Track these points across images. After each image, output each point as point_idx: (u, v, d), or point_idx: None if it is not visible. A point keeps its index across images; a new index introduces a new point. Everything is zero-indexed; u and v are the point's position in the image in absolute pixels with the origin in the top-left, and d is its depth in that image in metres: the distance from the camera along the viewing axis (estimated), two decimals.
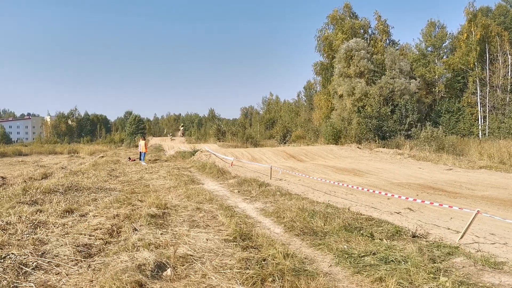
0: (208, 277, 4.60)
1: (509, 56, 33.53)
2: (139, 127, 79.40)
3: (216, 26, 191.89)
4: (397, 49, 38.54)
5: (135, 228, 6.69)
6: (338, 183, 12.74)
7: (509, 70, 33.64)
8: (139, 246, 5.58)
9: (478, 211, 6.21)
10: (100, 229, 6.61)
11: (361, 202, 10.12)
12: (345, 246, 5.78)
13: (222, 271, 4.81)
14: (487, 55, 34.28)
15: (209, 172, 16.53)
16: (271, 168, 15.37)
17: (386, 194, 10.38)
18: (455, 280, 4.31)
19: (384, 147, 27.81)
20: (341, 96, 34.84)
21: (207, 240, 6.10)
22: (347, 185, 12.29)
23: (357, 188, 11.63)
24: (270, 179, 14.41)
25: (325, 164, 20.70)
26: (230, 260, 5.15)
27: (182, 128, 44.11)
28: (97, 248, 5.72)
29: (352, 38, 35.00)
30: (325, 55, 39.58)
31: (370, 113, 31.21)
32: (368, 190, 11.09)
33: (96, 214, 7.83)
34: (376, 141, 30.36)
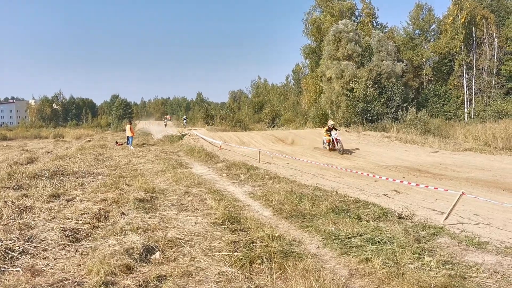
0: (197, 260, 4.62)
1: (495, 39, 33.74)
2: (126, 111, 78.65)
3: (203, 9, 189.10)
4: (386, 32, 38.46)
5: (123, 212, 6.66)
6: (327, 166, 12.82)
7: (495, 53, 33.89)
8: (127, 230, 5.56)
9: (462, 192, 6.30)
10: (88, 213, 6.57)
11: (348, 184, 10.20)
12: (333, 228, 5.83)
13: (211, 253, 4.83)
14: (474, 38, 34.45)
15: (197, 156, 16.48)
16: (259, 151, 15.38)
17: (373, 176, 10.49)
18: (440, 259, 4.39)
19: (371, 130, 27.95)
20: (329, 79, 34.76)
21: (195, 223, 6.10)
22: (335, 168, 12.37)
23: (345, 170, 11.72)
24: (259, 162, 14.43)
25: (314, 147, 20.77)
26: (219, 243, 5.16)
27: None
28: (84, 232, 5.68)
29: (340, 20, 34.80)
30: (313, 38, 39.35)
31: (359, 96, 31.28)
32: (356, 172, 11.19)
33: (83, 199, 7.78)
34: (363, 124, 30.52)
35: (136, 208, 6.89)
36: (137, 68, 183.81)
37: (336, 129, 19.59)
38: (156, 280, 4.08)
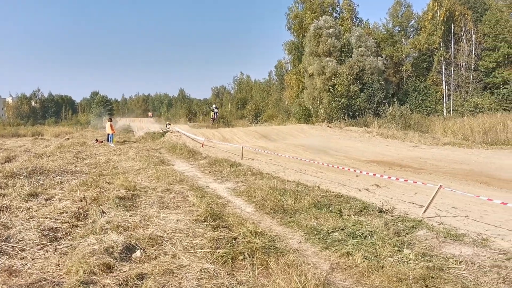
0: (179, 258, 4.59)
1: (473, 35, 34.35)
2: (107, 108, 77.51)
3: (184, 6, 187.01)
4: (365, 28, 38.75)
5: (103, 210, 6.57)
6: (309, 161, 12.89)
7: (473, 49, 34.51)
8: (107, 229, 5.50)
9: (440, 185, 6.42)
10: (66, 212, 6.46)
11: (330, 179, 10.29)
12: (315, 223, 5.87)
13: (193, 251, 4.81)
14: (452, 35, 34.99)
15: (179, 153, 16.37)
16: (242, 148, 15.36)
17: (355, 171, 10.60)
18: (418, 252, 4.47)
19: (353, 126, 28.20)
20: (311, 75, 34.86)
21: (177, 220, 6.06)
22: (317, 163, 12.46)
23: (327, 165, 11.81)
24: (242, 159, 14.42)
25: (296, 143, 20.86)
26: (201, 240, 5.15)
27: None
28: (63, 231, 5.60)
29: (321, 16, 34.92)
30: (295, 34, 39.40)
31: (341, 91, 31.48)
32: (337, 167, 11.29)
33: (62, 198, 7.65)
34: (345, 119, 30.75)
35: (117, 206, 6.80)
36: (118, 65, 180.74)
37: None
38: (137, 279, 4.04)
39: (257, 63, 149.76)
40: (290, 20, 39.56)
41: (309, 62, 34.67)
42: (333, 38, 33.29)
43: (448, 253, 4.56)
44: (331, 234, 5.38)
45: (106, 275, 4.13)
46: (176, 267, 4.35)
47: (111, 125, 23.28)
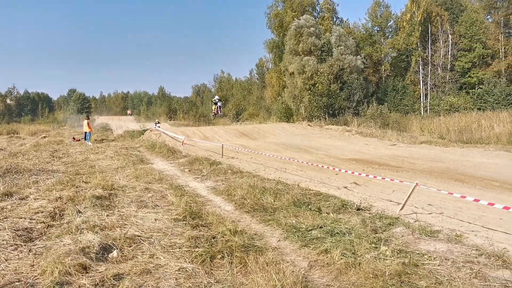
0: (156, 257, 4.54)
1: (449, 36, 35.10)
2: (84, 106, 76.29)
3: (163, 2, 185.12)
4: (345, 27, 39.15)
5: (79, 210, 6.45)
6: (289, 160, 12.95)
7: (449, 49, 35.27)
8: (83, 229, 5.40)
9: (417, 183, 6.54)
10: (42, 212, 6.32)
11: (310, 177, 10.35)
12: (294, 221, 5.90)
13: (171, 250, 4.77)
14: (429, 35, 35.69)
15: (159, 152, 16.23)
16: (222, 146, 15.33)
17: (334, 169, 10.70)
18: (394, 248, 4.54)
19: (333, 124, 28.50)
20: (292, 74, 35.07)
21: (155, 220, 6.00)
22: (298, 162, 12.52)
23: (307, 164, 11.89)
24: (222, 157, 14.39)
25: (277, 141, 20.94)
26: (179, 239, 5.11)
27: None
28: (38, 232, 5.47)
29: (302, 16, 35.13)
30: (276, 33, 39.53)
31: (321, 90, 31.73)
32: (317, 165, 11.37)
33: (37, 197, 7.48)
34: (326, 118, 31.04)
35: (93, 205, 6.69)
36: (96, 61, 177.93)
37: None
38: (113, 279, 3.98)
39: (238, 61, 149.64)
40: (270, 19, 39.65)
41: (289, 61, 34.84)
42: (313, 37, 33.53)
43: (423, 249, 4.65)
44: (310, 232, 5.41)
45: (82, 275, 4.06)
46: (153, 266, 4.30)
47: (88, 123, 22.93)
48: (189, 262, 4.37)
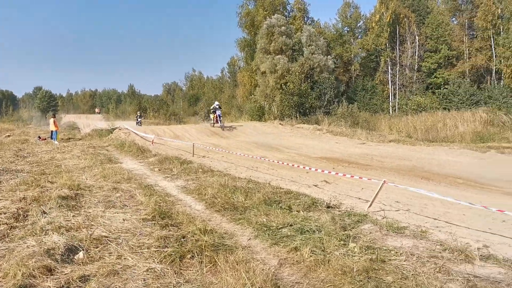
0: (124, 258, 4.46)
1: (416, 37, 36.02)
2: (51, 104, 74.06)
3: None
4: (316, 27, 39.53)
5: (44, 211, 6.26)
6: (260, 159, 12.97)
7: (416, 50, 36.20)
8: (48, 230, 5.24)
9: (384, 181, 6.69)
10: (4, 213, 6.10)
11: (281, 176, 10.41)
12: (264, 220, 5.91)
13: (139, 250, 4.69)
14: (397, 36, 36.52)
15: (128, 151, 15.91)
16: (193, 145, 15.20)
17: (304, 168, 10.79)
18: (363, 245, 4.62)
19: (304, 123, 28.71)
20: (264, 73, 35.12)
21: (124, 220, 5.89)
22: (269, 160, 12.56)
23: (278, 162, 11.94)
24: (193, 156, 14.27)
25: (249, 140, 20.94)
26: (148, 240, 5.03)
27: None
28: (0, 233, 5.27)
29: (273, 15, 35.23)
30: (247, 32, 39.50)
31: (292, 89, 31.94)
32: (288, 164, 11.44)
33: (0, 198, 7.21)
34: (297, 117, 31.25)
35: (59, 206, 6.50)
36: (63, 59, 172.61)
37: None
38: (79, 281, 3.89)
39: (209, 59, 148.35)
40: (242, 18, 39.60)
41: (261, 60, 34.90)
42: (284, 36, 33.70)
43: (390, 245, 4.75)
44: (280, 230, 5.44)
45: (47, 277, 3.94)
46: (121, 267, 4.22)
47: (54, 122, 22.25)
48: (158, 262, 4.31)
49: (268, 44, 34.11)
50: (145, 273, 4.09)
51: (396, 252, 4.45)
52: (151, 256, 4.48)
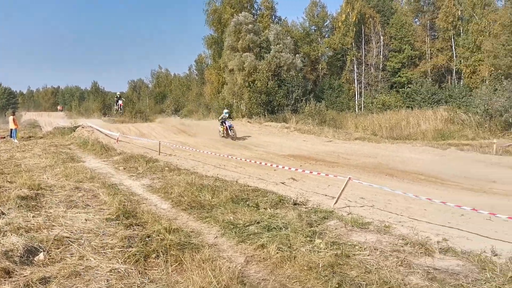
0: (87, 259, 4.33)
1: (381, 37, 36.89)
2: (10, 101, 71.25)
3: None
4: (283, 26, 39.72)
5: (2, 212, 5.99)
6: (228, 157, 12.93)
7: (381, 50, 37.07)
8: (6, 231, 5.02)
9: (349, 178, 6.81)
10: None
11: (249, 174, 10.41)
12: (231, 217, 5.90)
13: (102, 251, 4.57)
14: (363, 36, 37.28)
15: (91, 149, 15.49)
16: (159, 143, 14.97)
17: (271, 165, 10.83)
18: (328, 241, 4.69)
19: (272, 121, 28.82)
20: (231, 70, 35.02)
21: (86, 220, 5.72)
22: (237, 158, 12.54)
23: (246, 160, 11.94)
24: (159, 154, 14.06)
25: (217, 138, 20.82)
26: (112, 240, 4.91)
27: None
28: None
29: (240, 12, 35.15)
30: (214, 29, 39.24)
31: (260, 87, 32.00)
32: (255, 162, 11.46)
33: None
34: (265, 115, 31.34)
35: (18, 206, 6.25)
36: (23, 54, 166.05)
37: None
38: (39, 283, 3.76)
39: (176, 56, 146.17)
40: (209, 15, 39.29)
41: (229, 57, 34.78)
42: (252, 34, 33.71)
43: (354, 240, 4.84)
44: (247, 228, 5.44)
45: (5, 280, 3.79)
46: (83, 268, 4.10)
47: (14, 120, 21.38)
48: (121, 262, 4.22)
49: (236, 41, 34.03)
50: (108, 273, 3.99)
51: (361, 247, 4.54)
52: (115, 257, 4.38)
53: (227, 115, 21.68)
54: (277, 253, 4.39)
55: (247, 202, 6.77)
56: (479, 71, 33.44)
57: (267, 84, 32.18)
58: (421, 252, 4.39)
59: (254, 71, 32.89)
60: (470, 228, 5.48)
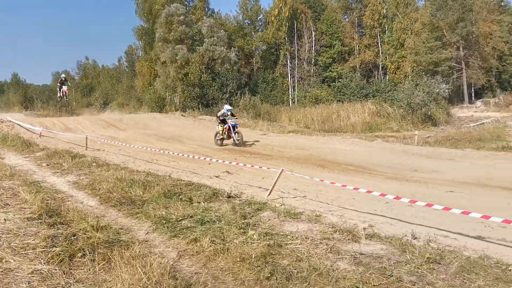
0: (6, 261, 4.00)
1: (313, 33, 38.01)
2: None
3: None
4: (216, 19, 39.47)
5: None
6: (161, 151, 12.63)
7: (313, 45, 38.21)
8: None
9: (282, 169, 6.94)
10: None
11: (183, 168, 10.25)
12: (164, 212, 5.77)
13: (23, 252, 4.25)
14: (295, 31, 38.16)
15: (11, 145, 14.38)
16: (86, 138, 14.25)
17: (205, 159, 10.77)
18: (261, 232, 4.75)
19: (207, 115, 28.66)
20: (164, 62, 34.28)
21: (5, 220, 5.29)
22: (170, 153, 12.29)
23: (179, 155, 11.75)
24: (86, 149, 13.38)
25: (149, 132, 20.26)
26: (34, 240, 4.59)
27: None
28: None
29: (172, 3, 34.39)
30: (145, 20, 38.09)
31: (193, 80, 31.64)
32: (188, 156, 11.32)
33: None
34: (200, 109, 31.07)
35: None
36: None
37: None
38: None
39: (104, 47, 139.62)
40: (139, 5, 38.03)
41: (161, 49, 34.02)
42: (184, 26, 33.18)
43: (287, 230, 4.94)
44: (180, 222, 5.35)
45: None
46: (1, 271, 3.79)
47: None
48: (44, 263, 3.95)
49: (168, 33, 33.34)
50: (29, 275, 3.72)
51: (292, 237, 4.64)
52: (37, 257, 4.10)
53: (229, 112, 15.80)
54: (210, 246, 4.36)
55: (180, 197, 6.67)
56: (403, 67, 35.73)
57: (201, 77, 31.91)
58: (349, 239, 4.59)
59: (187, 63, 32.41)
60: (394, 214, 5.82)
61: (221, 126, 15.49)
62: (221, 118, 15.71)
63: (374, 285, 3.44)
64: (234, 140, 15.06)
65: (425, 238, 4.58)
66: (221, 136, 15.42)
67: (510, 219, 4.71)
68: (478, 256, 4.05)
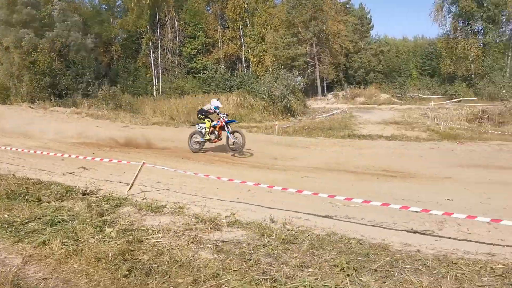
0: None
1: (176, 22, 37.48)
2: None
3: None
4: (69, 2, 36.16)
5: None
6: (5, 148, 11.15)
7: (177, 35, 37.70)
8: None
9: (143, 162, 6.72)
10: None
11: (30, 165, 9.21)
12: (6, 216, 5.12)
13: None
14: (157, 20, 37.15)
15: None
16: None
17: (55, 155, 9.89)
18: (120, 228, 4.52)
19: (60, 106, 26.29)
20: (7, 48, 30.31)
21: None
22: (15, 149, 10.92)
23: (28, 151, 10.51)
24: None
25: None
26: None
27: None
28: None
29: None
30: None
31: (42, 68, 28.61)
32: (35, 152, 10.27)
33: None
34: (51, 100, 28.28)
35: None
36: None
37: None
38: None
39: None
40: None
41: (3, 33, 29.98)
42: (29, 8, 29.76)
43: (148, 225, 4.80)
44: (26, 225, 4.81)
45: None
46: None
47: None
48: None
49: (10, 15, 29.49)
50: None
51: (154, 231, 4.52)
52: None
53: (217, 109, 12.16)
54: (62, 248, 4.00)
55: (26, 197, 5.97)
56: (264, 60, 37.61)
57: (52, 65, 29.02)
58: (211, 228, 4.65)
59: (34, 50, 29.15)
60: (255, 201, 6.10)
61: (208, 122, 12.07)
62: (203, 114, 12.29)
63: (234, 270, 3.54)
64: (228, 142, 11.76)
65: (282, 221, 4.90)
66: (208, 137, 12.01)
67: (351, 197, 5.35)
68: (326, 233, 4.48)
